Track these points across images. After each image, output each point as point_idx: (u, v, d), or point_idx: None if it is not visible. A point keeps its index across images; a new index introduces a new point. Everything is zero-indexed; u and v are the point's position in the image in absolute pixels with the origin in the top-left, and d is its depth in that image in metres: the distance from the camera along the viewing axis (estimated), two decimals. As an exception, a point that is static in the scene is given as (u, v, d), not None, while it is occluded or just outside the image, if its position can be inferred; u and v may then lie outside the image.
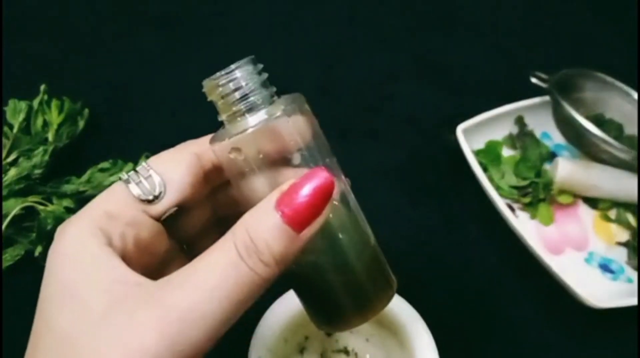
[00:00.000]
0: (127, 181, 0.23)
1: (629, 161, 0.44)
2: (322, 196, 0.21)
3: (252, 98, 0.23)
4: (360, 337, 0.33)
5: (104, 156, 0.45)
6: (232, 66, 0.23)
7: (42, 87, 0.49)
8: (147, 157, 0.46)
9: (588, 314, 0.38)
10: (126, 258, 0.22)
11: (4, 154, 0.44)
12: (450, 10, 0.65)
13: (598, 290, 0.40)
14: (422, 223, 0.46)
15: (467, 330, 0.40)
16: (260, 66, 0.24)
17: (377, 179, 0.49)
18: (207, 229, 0.27)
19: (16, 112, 0.47)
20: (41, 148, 0.45)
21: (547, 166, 0.49)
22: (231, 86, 0.23)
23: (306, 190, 0.20)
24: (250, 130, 0.22)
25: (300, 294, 0.26)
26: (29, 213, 0.42)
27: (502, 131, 0.50)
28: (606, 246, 0.45)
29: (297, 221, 0.20)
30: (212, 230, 0.28)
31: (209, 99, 0.23)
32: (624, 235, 0.45)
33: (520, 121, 0.51)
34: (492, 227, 0.44)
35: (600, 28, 0.63)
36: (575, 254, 0.44)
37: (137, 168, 0.24)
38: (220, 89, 0.23)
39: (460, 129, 0.47)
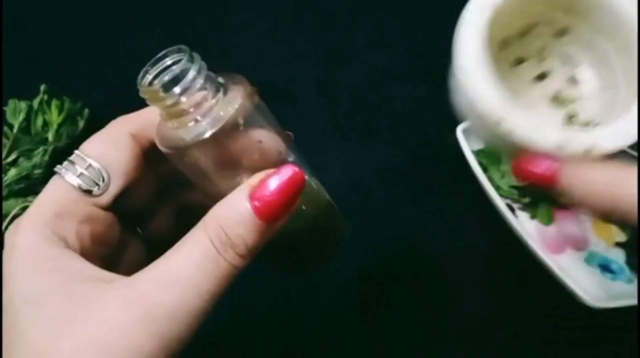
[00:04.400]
0: (65, 174, 0.23)
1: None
2: (294, 191, 0.21)
3: (205, 103, 0.21)
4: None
5: (104, 156, 0.45)
6: (175, 69, 0.20)
7: (42, 87, 0.49)
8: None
9: (588, 314, 0.38)
10: (85, 255, 0.22)
11: (4, 154, 0.44)
12: (450, 10, 0.65)
13: (598, 290, 0.40)
14: (422, 223, 0.46)
15: (466, 330, 0.40)
16: (198, 56, 0.21)
17: (377, 179, 0.49)
18: (153, 202, 0.27)
19: (16, 112, 0.47)
20: (41, 148, 0.45)
21: (547, 166, 0.48)
22: (177, 92, 0.20)
23: (278, 185, 0.20)
24: (207, 135, 0.20)
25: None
26: (29, 213, 0.42)
27: (502, 131, 0.50)
28: (606, 246, 0.45)
29: (269, 214, 0.20)
30: (159, 202, 0.27)
31: (150, 104, 0.21)
32: (624, 235, 0.45)
33: (520, 121, 0.51)
34: (492, 227, 0.44)
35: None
36: (575, 254, 0.44)
37: (72, 158, 0.23)
38: (168, 98, 0.20)
39: (460, 129, 0.47)
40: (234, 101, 0.21)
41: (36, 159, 0.44)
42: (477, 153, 0.48)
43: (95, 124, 0.51)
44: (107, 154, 0.23)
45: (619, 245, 0.45)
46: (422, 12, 0.65)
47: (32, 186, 0.43)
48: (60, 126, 0.48)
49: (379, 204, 0.47)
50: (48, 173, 0.44)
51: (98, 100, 0.52)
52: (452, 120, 0.48)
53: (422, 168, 0.50)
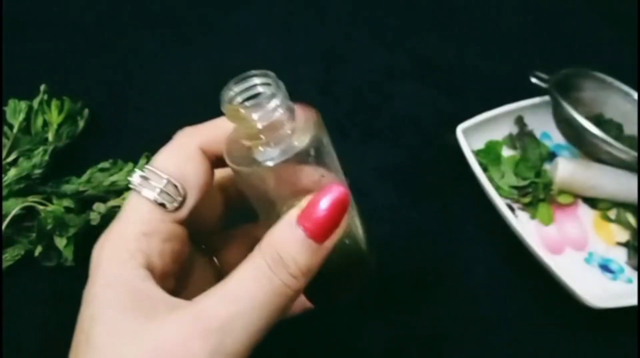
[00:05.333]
0: (143, 191, 0.24)
1: (628, 161, 0.44)
2: (340, 209, 0.22)
3: (283, 131, 0.22)
4: None
5: (104, 156, 0.45)
6: (261, 94, 0.22)
7: (42, 87, 0.49)
8: (147, 157, 0.46)
9: (588, 314, 0.38)
10: (164, 274, 0.23)
11: (4, 154, 0.44)
12: (450, 10, 0.65)
13: (598, 290, 0.40)
14: (422, 223, 0.46)
15: (466, 331, 0.40)
16: (282, 85, 0.22)
17: (377, 179, 0.49)
18: (218, 217, 0.28)
19: (16, 112, 0.47)
20: (41, 148, 0.44)
21: (547, 166, 0.49)
22: (258, 116, 0.21)
23: (325, 204, 0.22)
24: (278, 162, 0.21)
25: None
26: (29, 213, 0.42)
27: (502, 131, 0.50)
28: (606, 246, 0.45)
29: (319, 233, 0.22)
30: (223, 217, 0.29)
31: (229, 120, 0.22)
32: (624, 235, 0.45)
33: (520, 121, 0.51)
34: (492, 227, 0.44)
35: (600, 28, 0.63)
36: (575, 254, 0.44)
37: (146, 173, 0.24)
38: (248, 120, 0.21)
39: (460, 129, 0.47)
40: (308, 132, 0.22)
41: (36, 159, 0.44)
42: (477, 153, 0.48)
43: (95, 124, 0.51)
44: (182, 169, 0.24)
45: (619, 244, 0.45)
46: (422, 12, 0.65)
47: (32, 186, 0.43)
48: (60, 126, 0.48)
49: (379, 205, 0.47)
50: (48, 173, 0.44)
51: (98, 100, 0.52)
52: (452, 120, 0.48)
53: (422, 168, 0.50)
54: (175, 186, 0.24)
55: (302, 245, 0.22)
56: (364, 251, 0.27)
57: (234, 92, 0.22)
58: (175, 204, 0.24)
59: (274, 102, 0.21)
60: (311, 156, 0.22)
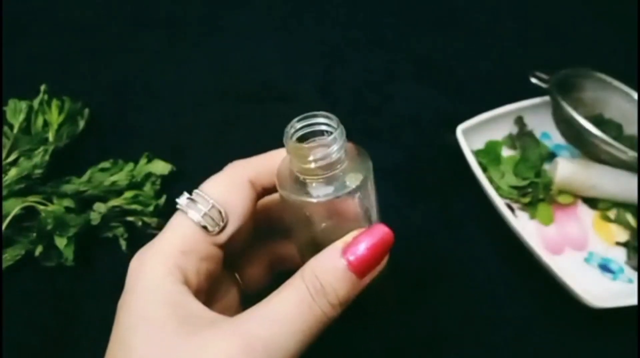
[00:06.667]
0: (188, 212, 0.25)
1: (629, 161, 0.44)
2: (384, 251, 0.24)
3: (337, 170, 0.24)
4: None
5: (104, 156, 0.45)
6: (324, 128, 0.23)
7: (42, 87, 0.49)
8: (148, 157, 0.46)
9: (588, 314, 0.38)
10: (198, 291, 0.24)
11: (4, 154, 0.44)
12: (450, 10, 0.65)
13: (598, 290, 0.40)
14: (422, 223, 0.46)
15: (466, 330, 0.40)
16: (343, 130, 0.24)
17: (377, 179, 0.48)
18: (249, 247, 0.30)
19: (16, 112, 0.47)
20: (41, 148, 0.45)
21: (546, 166, 0.48)
22: (318, 157, 0.23)
23: (370, 244, 0.23)
24: (330, 198, 0.23)
25: None
26: (29, 213, 0.42)
27: (502, 131, 0.50)
28: (606, 246, 0.45)
29: (361, 270, 0.23)
30: (255, 250, 0.30)
31: (289, 155, 0.24)
32: (624, 235, 0.45)
33: (520, 121, 0.51)
34: (492, 227, 0.44)
35: (600, 28, 0.63)
36: (575, 254, 0.44)
37: (193, 196, 0.25)
38: (308, 157, 0.23)
39: (460, 129, 0.47)
40: (359, 172, 0.24)
41: (36, 159, 0.44)
42: (477, 153, 0.48)
43: (95, 124, 0.51)
44: (228, 197, 0.26)
45: (618, 244, 0.45)
46: (422, 12, 0.65)
47: (32, 186, 0.43)
48: (60, 126, 0.48)
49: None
50: (48, 173, 0.44)
51: (98, 100, 0.52)
52: (452, 120, 0.48)
53: (422, 168, 0.50)
54: (220, 212, 0.25)
55: (343, 277, 0.23)
56: (390, 272, 0.28)
57: (295, 128, 0.24)
58: (217, 229, 0.25)
59: (336, 146, 0.23)
60: (359, 193, 0.24)
